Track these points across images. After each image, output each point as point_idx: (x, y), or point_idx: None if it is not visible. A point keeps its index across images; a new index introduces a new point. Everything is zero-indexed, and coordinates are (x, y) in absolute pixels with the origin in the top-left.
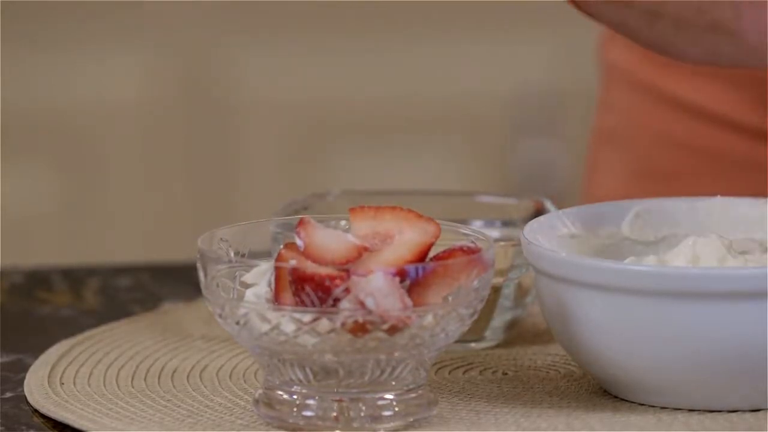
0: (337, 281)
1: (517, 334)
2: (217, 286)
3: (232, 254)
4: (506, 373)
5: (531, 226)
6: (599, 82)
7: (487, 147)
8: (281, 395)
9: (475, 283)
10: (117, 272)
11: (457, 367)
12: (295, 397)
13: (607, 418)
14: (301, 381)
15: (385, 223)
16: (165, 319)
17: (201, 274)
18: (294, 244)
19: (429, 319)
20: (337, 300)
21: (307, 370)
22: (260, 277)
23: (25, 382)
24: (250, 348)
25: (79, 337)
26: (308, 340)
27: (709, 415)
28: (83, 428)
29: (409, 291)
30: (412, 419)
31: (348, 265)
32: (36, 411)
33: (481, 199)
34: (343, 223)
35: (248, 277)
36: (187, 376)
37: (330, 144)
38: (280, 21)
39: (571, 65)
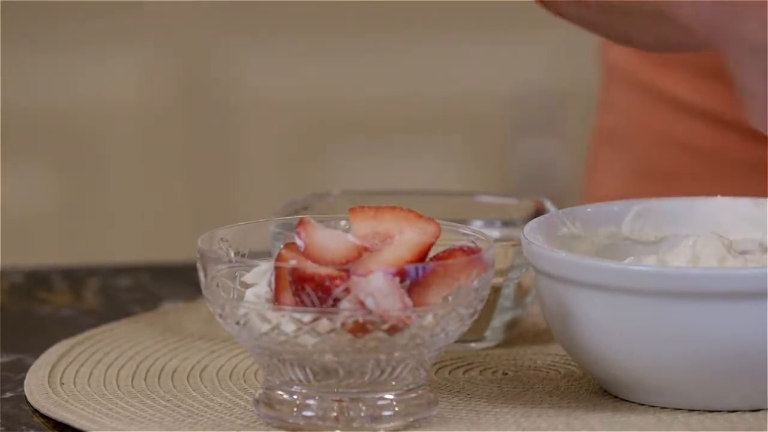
0: (337, 281)
1: (517, 334)
2: (217, 286)
3: (232, 254)
4: (506, 373)
5: (531, 226)
6: (599, 82)
7: (487, 147)
8: (281, 395)
9: (475, 283)
10: (117, 272)
11: (457, 367)
12: (295, 397)
13: (607, 418)
14: (301, 381)
15: (385, 223)
16: (165, 319)
17: (201, 274)
18: (294, 244)
19: (429, 319)
20: (337, 300)
21: (307, 370)
22: (260, 277)
23: (25, 382)
24: (250, 348)
25: (79, 337)
26: (308, 340)
27: (709, 415)
28: (83, 428)
29: (409, 291)
30: (412, 419)
31: (348, 265)
32: (36, 411)
33: (481, 199)
34: (343, 223)
35: (248, 277)
36: (187, 376)
37: (330, 144)
38: (280, 21)
39: (571, 65)
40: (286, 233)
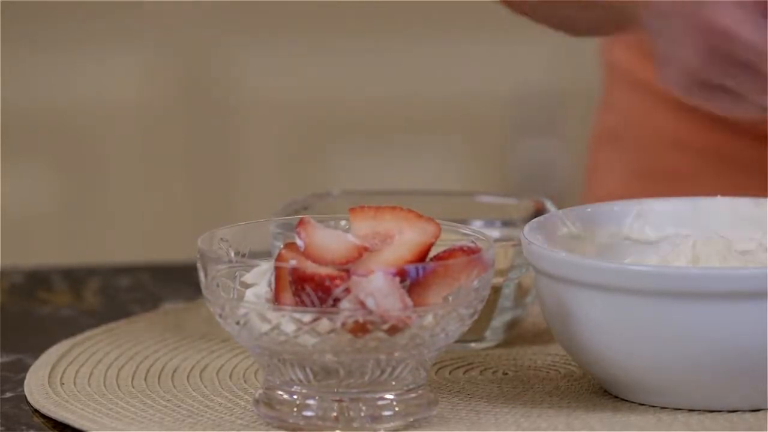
0: (338, 281)
1: (517, 334)
2: (218, 286)
3: (232, 254)
4: (506, 373)
5: (531, 226)
6: (600, 82)
7: (487, 147)
8: (281, 395)
9: (475, 283)
10: (117, 272)
11: (458, 367)
12: (295, 397)
13: (607, 418)
14: (301, 381)
15: (385, 223)
16: (165, 319)
17: (201, 274)
18: (294, 244)
19: (429, 319)
20: (337, 300)
21: (308, 370)
22: (260, 277)
23: (26, 382)
24: (250, 348)
25: (80, 337)
26: (308, 340)
27: (709, 415)
28: (83, 428)
29: (410, 291)
30: (412, 419)
31: (348, 265)
32: (36, 411)
33: (481, 199)
34: (343, 223)
35: (248, 277)
36: (187, 376)
37: (330, 144)
38: (280, 21)
39: (571, 65)
40: (286, 233)
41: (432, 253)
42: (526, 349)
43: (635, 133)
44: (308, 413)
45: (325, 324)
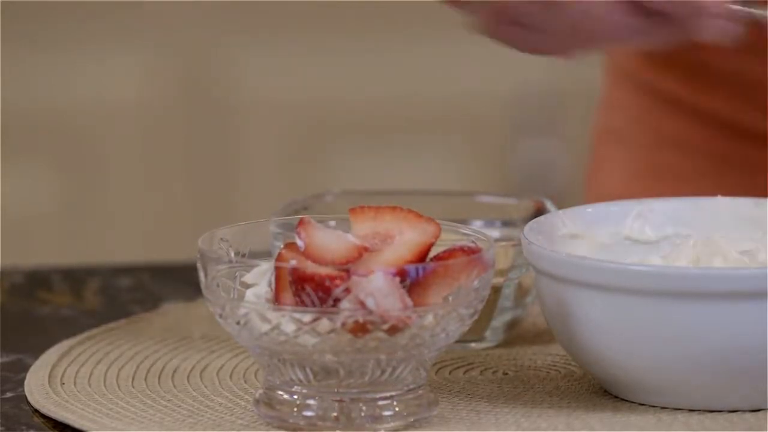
0: (338, 281)
1: (517, 334)
2: (218, 286)
3: (232, 254)
4: (507, 373)
5: (531, 226)
6: (602, 81)
7: (487, 147)
8: (282, 395)
9: (476, 283)
10: (117, 272)
11: (458, 367)
12: (295, 397)
13: (608, 418)
14: (301, 381)
15: (385, 224)
16: (165, 319)
17: (201, 274)
18: (294, 244)
19: (429, 319)
20: (337, 300)
21: (308, 370)
22: (260, 277)
23: (26, 382)
24: (251, 348)
25: (80, 338)
26: (308, 340)
27: (709, 415)
28: (83, 428)
29: (410, 291)
30: (412, 419)
31: (348, 265)
32: (36, 411)
33: (481, 199)
34: (343, 223)
35: (248, 277)
36: (188, 376)
37: (330, 144)
38: (280, 21)
39: (571, 65)
40: (286, 233)
41: (432, 253)
42: (526, 349)
43: (636, 133)
44: (308, 413)
45: (325, 324)
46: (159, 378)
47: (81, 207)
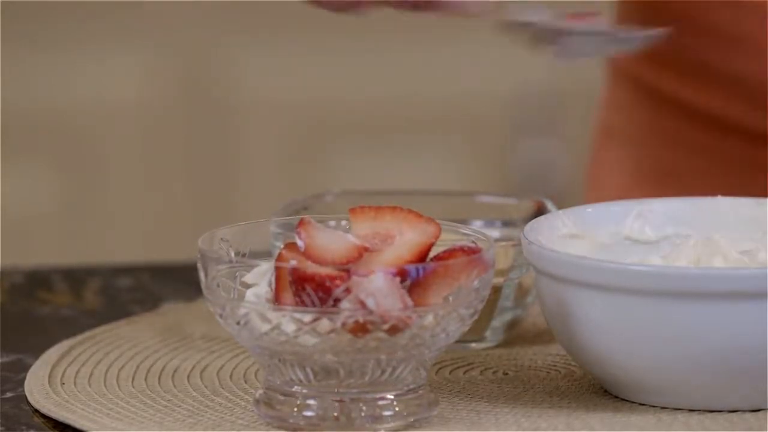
0: (338, 281)
1: (517, 334)
2: (218, 286)
3: (232, 254)
4: (507, 373)
5: (531, 226)
6: (603, 80)
7: (487, 147)
8: (282, 395)
9: (476, 283)
10: (117, 272)
11: (458, 367)
12: (295, 397)
13: (608, 418)
14: (301, 381)
15: (385, 224)
16: (165, 319)
17: (201, 274)
18: (294, 244)
19: (429, 319)
20: (337, 300)
21: (308, 370)
22: (261, 277)
23: (26, 382)
24: (251, 348)
25: (80, 338)
26: (309, 340)
27: (709, 415)
28: (83, 428)
29: (410, 291)
30: (412, 419)
31: (348, 266)
32: (36, 411)
33: (481, 199)
34: (343, 223)
35: (249, 277)
36: (188, 376)
37: (330, 144)
38: (280, 21)
39: (571, 65)
40: (286, 233)
41: (432, 253)
42: (527, 349)
43: (636, 133)
44: (308, 413)
45: (325, 324)
46: (159, 378)
47: (81, 207)
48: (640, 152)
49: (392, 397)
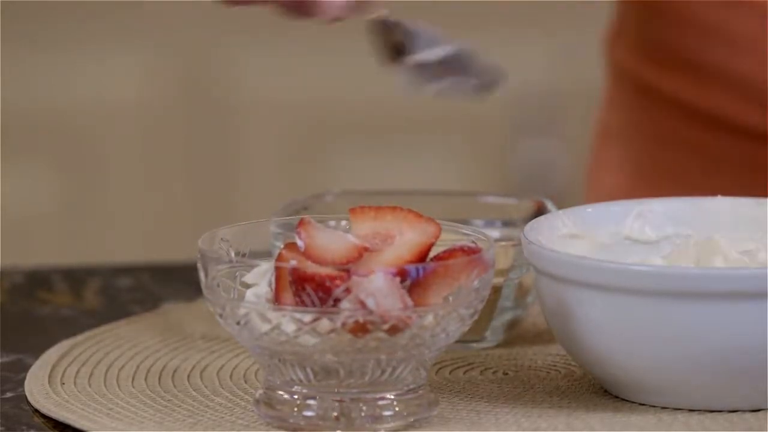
0: (338, 281)
1: (517, 334)
2: (218, 286)
3: (232, 254)
4: (507, 373)
5: (531, 226)
6: (604, 79)
7: (487, 147)
8: (282, 395)
9: (476, 283)
10: (117, 272)
11: (458, 367)
12: (295, 397)
13: (608, 418)
14: (301, 381)
15: (385, 224)
16: (165, 319)
17: (201, 274)
18: (294, 244)
19: (429, 319)
20: (337, 300)
21: (308, 370)
22: (261, 277)
23: (26, 382)
24: (251, 348)
25: (80, 338)
26: (309, 340)
27: (709, 415)
28: (84, 428)
29: (410, 291)
30: (412, 419)
31: (348, 266)
32: (36, 411)
33: (482, 199)
34: (343, 223)
35: (249, 277)
36: (188, 376)
37: (330, 144)
38: (280, 21)
39: (571, 65)
40: (286, 233)
41: (432, 253)
42: (527, 349)
43: (636, 132)
44: (309, 413)
45: (325, 324)
46: (159, 378)
47: (81, 207)
48: (639, 152)
49: (392, 397)
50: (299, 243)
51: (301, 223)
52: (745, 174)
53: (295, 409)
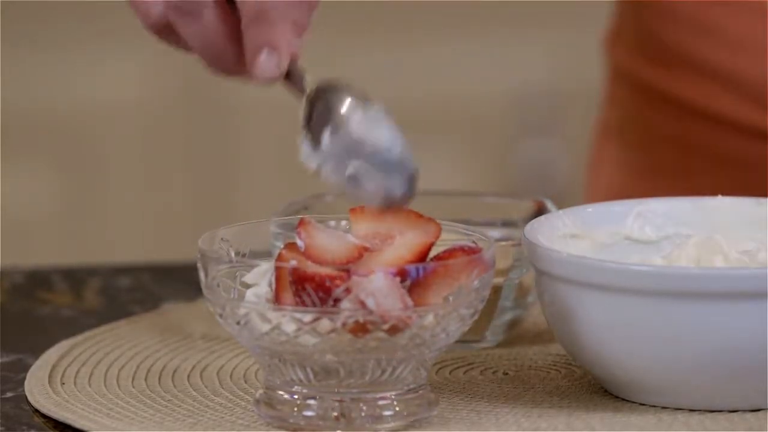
0: (338, 281)
1: (517, 334)
2: (218, 286)
3: (232, 254)
4: (507, 373)
5: (531, 225)
6: (605, 77)
7: (487, 147)
8: (282, 395)
9: (476, 283)
10: (117, 272)
11: (458, 367)
12: (295, 397)
13: (608, 418)
14: (301, 381)
15: (385, 224)
16: (165, 319)
17: (202, 274)
18: (294, 244)
19: (430, 319)
20: (337, 300)
21: (308, 370)
22: (261, 277)
23: (26, 382)
24: (251, 348)
25: (80, 337)
26: (309, 340)
27: (709, 415)
28: (84, 428)
29: (410, 291)
30: (412, 419)
31: (348, 266)
32: (36, 411)
33: (482, 199)
34: (343, 223)
35: (249, 277)
36: (188, 376)
37: None
38: None
39: (571, 65)
40: (287, 233)
41: (432, 253)
42: (527, 349)
43: (635, 130)
44: (309, 413)
45: (325, 324)
46: (159, 378)
47: (81, 207)
48: (638, 151)
49: (392, 397)
50: (299, 243)
51: (301, 223)
52: (744, 173)
53: (295, 409)
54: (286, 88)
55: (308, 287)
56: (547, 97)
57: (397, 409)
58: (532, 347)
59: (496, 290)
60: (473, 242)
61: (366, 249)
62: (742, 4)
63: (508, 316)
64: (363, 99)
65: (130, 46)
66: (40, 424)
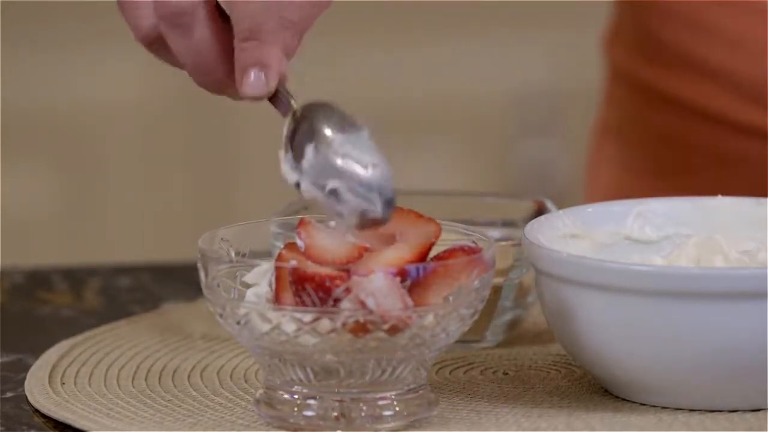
0: (338, 281)
1: (517, 334)
2: (218, 286)
3: (232, 254)
4: (507, 373)
5: (532, 225)
6: (604, 76)
7: (487, 147)
8: (282, 395)
9: (476, 283)
10: (117, 272)
11: (458, 367)
12: (296, 396)
13: (608, 418)
14: (301, 381)
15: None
16: (165, 319)
17: (202, 274)
18: (294, 244)
19: (430, 319)
20: (337, 300)
21: (308, 370)
22: (261, 277)
23: (26, 382)
24: (251, 348)
25: (80, 337)
26: (309, 340)
27: (710, 415)
28: (84, 428)
29: (410, 291)
30: (412, 419)
31: (349, 266)
32: (36, 411)
33: (482, 199)
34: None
35: (249, 277)
36: (188, 376)
37: None
38: None
39: (571, 65)
40: (287, 233)
41: (432, 253)
42: (527, 349)
43: (634, 129)
44: (309, 413)
45: (325, 324)
46: (159, 378)
47: (81, 207)
48: (637, 150)
49: (392, 397)
50: (299, 243)
51: (301, 223)
52: (744, 173)
53: (296, 409)
54: (272, 107)
55: (308, 287)
56: (547, 97)
57: (397, 409)
58: (532, 347)
59: (496, 290)
60: (473, 242)
61: (366, 249)
62: (741, 4)
63: (508, 316)
64: (349, 121)
65: (130, 46)
66: (40, 424)
